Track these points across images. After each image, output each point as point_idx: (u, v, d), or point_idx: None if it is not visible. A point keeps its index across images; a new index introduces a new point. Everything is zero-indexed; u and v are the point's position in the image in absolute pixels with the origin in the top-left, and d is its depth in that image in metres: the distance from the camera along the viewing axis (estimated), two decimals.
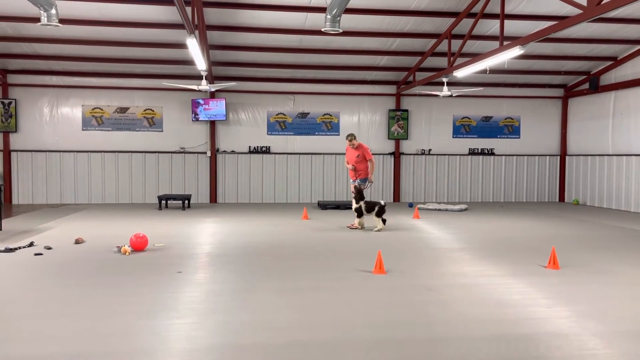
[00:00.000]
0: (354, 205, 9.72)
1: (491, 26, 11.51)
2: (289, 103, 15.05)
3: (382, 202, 9.73)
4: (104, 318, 4.49)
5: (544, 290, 5.53)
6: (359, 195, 9.70)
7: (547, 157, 16.04)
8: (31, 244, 7.76)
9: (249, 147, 14.90)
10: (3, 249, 7.36)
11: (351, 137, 10.00)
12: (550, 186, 16.11)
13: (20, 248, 7.51)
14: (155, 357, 3.69)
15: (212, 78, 13.66)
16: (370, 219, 9.75)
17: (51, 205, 13.63)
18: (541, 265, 6.72)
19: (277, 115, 15.00)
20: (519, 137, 15.94)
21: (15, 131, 13.92)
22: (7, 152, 13.92)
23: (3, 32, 11.55)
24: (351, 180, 10.09)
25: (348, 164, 10.10)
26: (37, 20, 8.30)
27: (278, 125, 15.02)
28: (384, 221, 9.59)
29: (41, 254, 7.13)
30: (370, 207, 9.61)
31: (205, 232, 9.43)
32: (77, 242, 8.05)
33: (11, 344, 3.90)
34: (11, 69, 13.77)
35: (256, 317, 4.56)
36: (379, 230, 9.47)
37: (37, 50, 12.63)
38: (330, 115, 15.20)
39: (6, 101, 13.79)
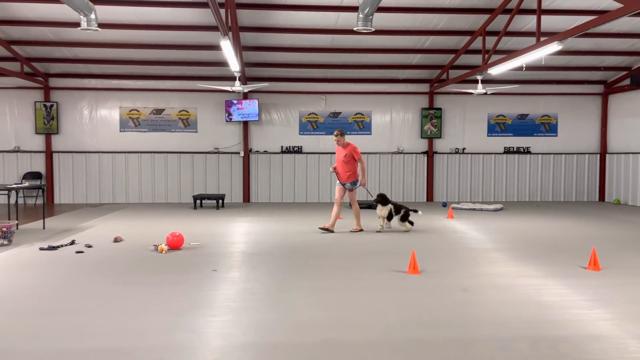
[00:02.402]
0: (381, 212, 9.30)
1: (527, 22, 11.27)
2: (321, 103, 15.07)
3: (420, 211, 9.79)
4: (143, 314, 4.60)
5: (584, 292, 5.38)
6: (384, 199, 9.29)
7: (586, 155, 15.58)
8: (72, 242, 8.02)
9: (281, 147, 14.99)
10: (46, 246, 7.62)
11: (339, 133, 9.22)
12: (590, 185, 15.65)
13: (62, 246, 7.76)
14: (192, 354, 3.75)
15: (245, 79, 13.81)
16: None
17: (91, 205, 14.03)
18: (581, 266, 6.54)
19: (308, 115, 15.05)
20: (557, 135, 15.54)
21: (57, 133, 14.38)
22: (49, 153, 14.40)
23: (45, 37, 11.96)
24: (338, 182, 9.45)
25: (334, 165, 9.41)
26: (77, 25, 8.55)
27: (310, 125, 15.06)
28: (411, 223, 9.44)
29: (82, 252, 7.36)
30: (398, 209, 9.38)
31: (239, 231, 9.54)
32: (116, 240, 8.27)
33: (56, 338, 4.03)
34: (53, 72, 14.24)
35: (290, 315, 4.59)
36: (408, 230, 9.37)
37: (77, 54, 13.03)
38: (362, 115, 15.16)
39: (48, 104, 14.26)
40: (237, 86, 11.97)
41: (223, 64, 12.62)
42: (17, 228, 9.17)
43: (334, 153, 14.96)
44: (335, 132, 9.28)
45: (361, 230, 9.36)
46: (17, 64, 12.93)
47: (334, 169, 9.40)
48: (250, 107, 14.40)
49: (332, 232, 9.20)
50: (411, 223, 9.44)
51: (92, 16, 8.15)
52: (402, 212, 9.33)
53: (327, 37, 12.06)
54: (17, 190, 10.12)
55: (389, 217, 9.36)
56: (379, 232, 9.26)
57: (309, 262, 6.88)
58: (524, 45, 11.62)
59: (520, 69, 11.36)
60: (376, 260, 6.92)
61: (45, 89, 14.29)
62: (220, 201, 13.51)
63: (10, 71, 12.26)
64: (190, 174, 14.83)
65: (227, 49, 9.62)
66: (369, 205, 13.33)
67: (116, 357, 3.67)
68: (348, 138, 14.92)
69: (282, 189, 15.05)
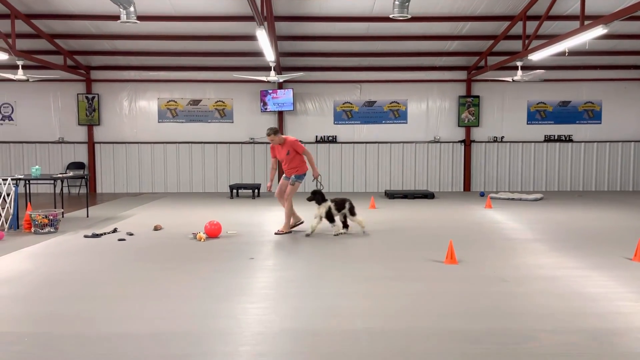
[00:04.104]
0: (318, 211, 7.87)
1: (570, 5, 10.87)
2: (356, 92, 14.98)
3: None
4: (183, 300, 4.70)
5: (630, 283, 5.21)
6: (320, 195, 7.88)
7: (632, 143, 15.01)
8: (115, 230, 8.26)
9: (316, 136, 14.99)
10: (90, 234, 7.88)
11: (272, 132, 7.98)
12: (636, 174, 15.08)
13: (105, 234, 8.00)
14: (232, 340, 3.82)
15: (280, 69, 13.85)
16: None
17: (131, 194, 14.40)
18: (627, 257, 6.33)
19: (343, 104, 14.99)
20: (600, 123, 15.01)
21: (98, 124, 14.79)
22: (92, 144, 14.83)
23: (86, 30, 12.26)
24: (284, 176, 8.41)
25: (276, 164, 8.36)
26: (117, 18, 8.73)
27: (344, 115, 15.00)
28: (345, 225, 7.99)
29: (124, 240, 7.57)
30: (340, 205, 7.88)
31: (275, 220, 9.62)
32: (156, 228, 8.47)
33: (101, 323, 4.17)
34: (94, 65, 14.61)
35: (327, 303, 4.61)
36: (342, 233, 7.94)
37: (117, 46, 13.32)
38: (398, 103, 14.99)
39: (90, 96, 14.67)
40: (272, 76, 12.00)
41: (258, 54, 12.69)
42: (63, 216, 9.51)
43: (369, 142, 14.97)
44: (267, 132, 8.05)
45: (289, 232, 8.18)
46: (61, 57, 13.33)
47: (270, 187, 8.33)
48: (285, 97, 14.44)
49: (290, 232, 8.21)
50: (346, 226, 7.99)
51: (131, 9, 8.30)
52: (347, 205, 7.86)
53: (362, 24, 11.95)
54: (62, 180, 10.48)
55: (330, 218, 7.84)
56: (309, 236, 7.85)
57: (346, 250, 6.89)
58: (566, 30, 11.25)
59: (562, 54, 10.98)
60: (413, 250, 6.88)
61: (87, 81, 14.69)
62: (256, 191, 13.66)
63: (54, 64, 12.65)
64: (226, 164, 15.03)
65: (263, 39, 9.65)
66: (424, 195, 13.17)
67: (158, 341, 3.77)
68: (382, 127, 15.06)
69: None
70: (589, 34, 8.69)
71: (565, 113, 15.02)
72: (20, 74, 11.33)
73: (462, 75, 14.90)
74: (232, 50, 13.52)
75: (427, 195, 13.23)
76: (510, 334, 3.89)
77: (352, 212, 7.91)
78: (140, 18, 10.10)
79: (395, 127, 15.02)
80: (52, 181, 9.82)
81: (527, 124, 15.05)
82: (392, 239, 7.70)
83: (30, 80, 12.00)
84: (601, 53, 13.60)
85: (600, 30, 8.37)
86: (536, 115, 15.04)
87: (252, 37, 11.25)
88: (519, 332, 3.92)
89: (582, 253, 6.63)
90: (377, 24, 11.80)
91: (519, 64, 12.00)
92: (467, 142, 15.00)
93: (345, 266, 6.02)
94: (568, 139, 15.03)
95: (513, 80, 12.43)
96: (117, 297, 4.84)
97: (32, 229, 8.12)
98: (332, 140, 14.96)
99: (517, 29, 11.91)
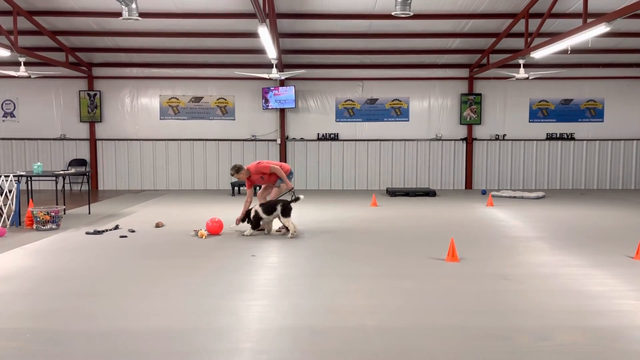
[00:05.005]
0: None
1: (573, 3, 10.84)
2: (358, 89, 14.97)
3: (302, 197, 8.02)
4: (185, 297, 4.71)
5: (631, 282, 5.20)
6: (248, 213, 7.88)
7: (635, 141, 14.98)
8: (116, 227, 8.27)
9: (318, 134, 14.99)
10: (92, 231, 7.90)
11: (233, 171, 8.05)
12: (638, 172, 15.05)
13: (107, 230, 8.02)
14: (233, 337, 3.83)
15: (282, 66, 13.83)
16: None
17: (133, 191, 14.41)
18: (628, 256, 6.32)
19: (345, 101, 14.98)
20: (603, 121, 14.98)
21: (100, 121, 14.79)
22: (94, 141, 14.85)
23: (88, 27, 12.26)
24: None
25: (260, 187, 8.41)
26: (118, 14, 8.72)
27: (346, 112, 14.99)
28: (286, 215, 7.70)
29: (126, 237, 7.58)
30: (270, 209, 7.69)
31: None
32: (158, 225, 8.48)
33: (103, 318, 4.18)
34: (95, 62, 14.61)
35: (328, 301, 4.62)
36: (293, 234, 7.64)
37: (118, 43, 13.32)
38: (400, 101, 14.98)
39: (92, 93, 14.67)
40: (274, 73, 12.00)
41: (260, 51, 12.68)
42: (65, 213, 9.52)
43: (371, 140, 14.97)
44: (230, 172, 8.15)
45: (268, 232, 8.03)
46: (62, 54, 13.32)
47: (239, 220, 8.09)
48: (286, 94, 14.43)
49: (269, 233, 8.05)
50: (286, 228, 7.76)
51: (133, 6, 8.29)
52: (278, 208, 7.63)
53: (364, 22, 11.93)
54: (63, 176, 10.49)
55: (256, 222, 7.75)
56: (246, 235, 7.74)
57: (346, 248, 6.89)
58: (569, 28, 11.20)
59: (565, 52, 10.95)
60: (414, 248, 6.88)
61: (89, 78, 14.69)
62: (258, 188, 13.63)
63: (56, 61, 12.65)
64: (228, 161, 15.02)
65: (265, 36, 9.64)
66: (425, 193, 13.19)
67: (160, 338, 3.78)
68: (384, 125, 15.03)
69: (318, 176, 15.09)
70: (591, 31, 8.67)
71: (568, 111, 14.99)
72: (22, 71, 11.34)
73: (464, 73, 14.87)
74: (234, 48, 13.51)
75: (429, 193, 13.23)
76: (511, 331, 3.89)
77: (284, 214, 7.64)
78: (142, 15, 10.09)
79: (397, 125, 15.00)
80: (54, 178, 9.83)
81: (529, 122, 15.02)
82: (393, 237, 7.70)
83: (32, 77, 12.01)
84: (604, 51, 13.56)
85: (602, 28, 8.35)
86: (538, 113, 15.01)
87: (254, 35, 11.24)
88: (520, 330, 3.92)
89: (584, 251, 6.62)
90: (379, 21, 11.78)
91: (521, 61, 11.97)
92: (469, 140, 14.98)
93: (346, 264, 6.02)
94: (570, 137, 15.01)
95: (516, 79, 12.40)
96: (118, 293, 4.85)
97: (34, 226, 8.14)
98: (334, 137, 14.96)
99: (520, 26, 11.88)
